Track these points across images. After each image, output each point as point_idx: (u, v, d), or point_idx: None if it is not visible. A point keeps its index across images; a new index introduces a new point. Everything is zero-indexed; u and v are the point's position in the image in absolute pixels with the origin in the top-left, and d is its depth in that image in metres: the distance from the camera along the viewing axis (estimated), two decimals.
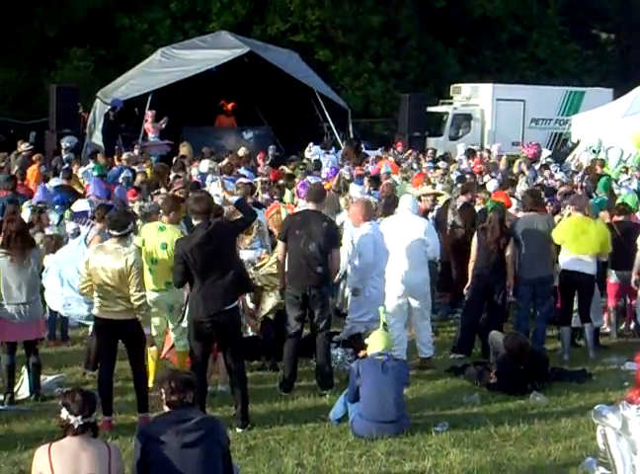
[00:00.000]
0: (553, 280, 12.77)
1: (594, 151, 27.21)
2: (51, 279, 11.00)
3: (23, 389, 10.47)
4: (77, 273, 10.46)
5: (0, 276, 10.10)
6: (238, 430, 9.41)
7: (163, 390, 6.64)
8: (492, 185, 16.81)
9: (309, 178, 17.97)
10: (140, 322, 9.49)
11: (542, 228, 12.57)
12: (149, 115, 27.50)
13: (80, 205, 14.00)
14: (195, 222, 9.76)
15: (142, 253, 10.46)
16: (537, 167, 24.14)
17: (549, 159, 26.93)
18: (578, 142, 30.82)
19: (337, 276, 11.97)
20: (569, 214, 13.35)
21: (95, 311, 9.61)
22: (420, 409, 10.22)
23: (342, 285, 13.99)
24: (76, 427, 6.26)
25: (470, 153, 26.66)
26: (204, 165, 20.66)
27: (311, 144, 26.55)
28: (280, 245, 11.14)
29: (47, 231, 13.31)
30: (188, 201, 10.79)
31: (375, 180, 18.05)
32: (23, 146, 22.19)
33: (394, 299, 11.88)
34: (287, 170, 21.50)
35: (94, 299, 9.57)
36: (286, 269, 11.06)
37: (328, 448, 9.03)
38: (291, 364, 10.93)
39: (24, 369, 10.50)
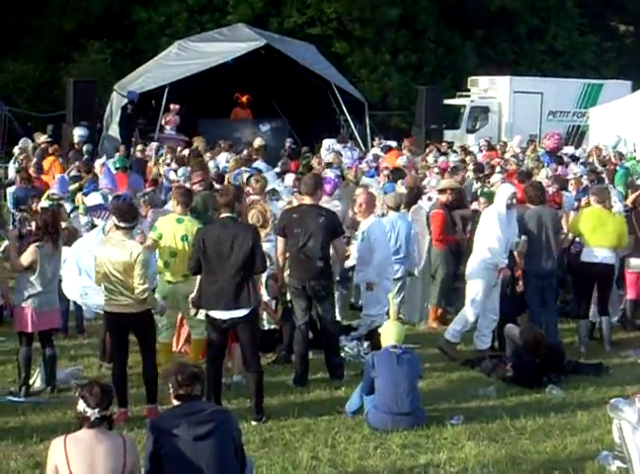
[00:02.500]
0: (558, 273, 12.75)
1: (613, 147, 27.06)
2: (69, 269, 11.05)
3: (38, 381, 10.50)
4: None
5: (38, 266, 10.14)
6: (253, 422, 9.41)
7: (170, 384, 6.63)
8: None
9: (327, 171, 17.86)
10: (151, 313, 9.64)
11: (549, 222, 12.53)
12: (173, 108, 27.58)
13: (93, 199, 13.99)
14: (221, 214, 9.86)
15: (159, 246, 10.53)
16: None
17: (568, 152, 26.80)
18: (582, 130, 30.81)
19: (346, 264, 11.94)
20: (587, 204, 13.24)
21: (104, 305, 9.61)
22: (435, 402, 10.21)
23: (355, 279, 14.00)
24: (92, 419, 6.26)
25: (487, 146, 26.56)
26: (223, 158, 20.64)
27: (325, 141, 26.41)
28: (280, 241, 11.06)
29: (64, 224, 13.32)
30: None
31: (397, 172, 17.88)
32: (42, 138, 22.23)
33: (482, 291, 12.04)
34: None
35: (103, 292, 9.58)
36: (288, 262, 11.09)
37: (343, 441, 9.03)
38: (303, 358, 10.94)
39: (39, 361, 10.53)
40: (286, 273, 11.41)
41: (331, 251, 11.09)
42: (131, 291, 9.37)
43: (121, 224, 9.52)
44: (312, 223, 10.78)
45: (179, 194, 11.27)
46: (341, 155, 22.16)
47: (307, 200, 11.14)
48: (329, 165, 19.51)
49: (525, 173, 17.85)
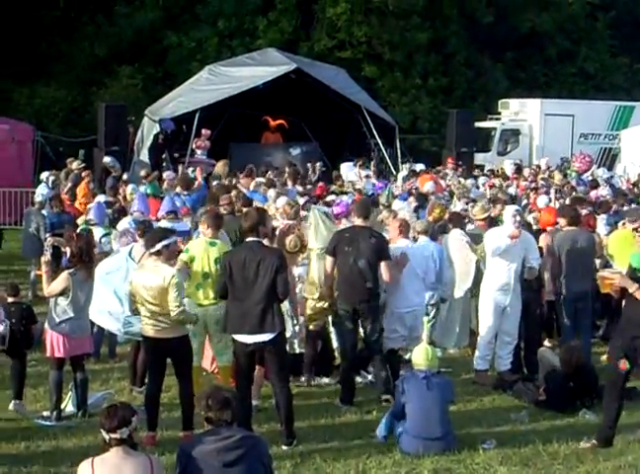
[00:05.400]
0: (594, 296, 12.64)
1: None
2: (108, 299, 11.00)
3: (70, 405, 10.52)
4: None
5: (70, 293, 10.18)
6: (284, 447, 9.36)
7: (202, 407, 6.62)
8: (542, 201, 16.66)
9: (344, 197, 17.84)
10: (188, 337, 9.64)
11: (584, 244, 12.46)
12: (204, 133, 27.71)
13: (124, 224, 13.99)
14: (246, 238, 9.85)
15: (191, 268, 10.52)
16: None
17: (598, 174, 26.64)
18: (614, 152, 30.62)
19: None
20: (623, 225, 13.16)
21: (142, 330, 9.64)
22: (467, 426, 10.13)
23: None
24: (107, 441, 6.31)
25: (517, 169, 26.43)
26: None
27: (343, 165, 26.46)
28: (329, 260, 11.11)
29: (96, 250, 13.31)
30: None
31: (421, 198, 17.77)
32: (74, 164, 22.29)
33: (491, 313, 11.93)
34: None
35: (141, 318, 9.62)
36: (336, 284, 11.10)
37: (374, 466, 8.97)
38: (349, 379, 11.00)
39: (71, 386, 10.56)
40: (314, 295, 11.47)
41: None
42: (168, 316, 9.38)
43: (152, 250, 9.56)
44: (363, 243, 10.87)
45: (209, 217, 11.27)
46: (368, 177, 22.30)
47: (360, 222, 11.22)
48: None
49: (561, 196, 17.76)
